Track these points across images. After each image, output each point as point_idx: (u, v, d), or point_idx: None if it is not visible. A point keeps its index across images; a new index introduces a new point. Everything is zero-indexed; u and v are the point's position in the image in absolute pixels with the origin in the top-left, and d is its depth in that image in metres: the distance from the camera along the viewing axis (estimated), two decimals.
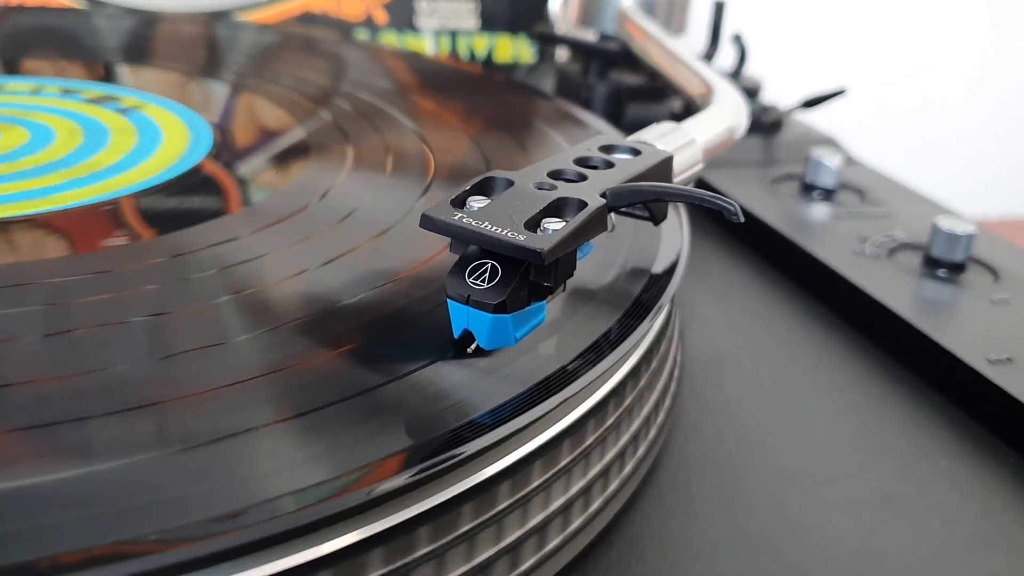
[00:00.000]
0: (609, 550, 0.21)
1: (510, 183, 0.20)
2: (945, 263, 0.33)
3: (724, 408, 0.27)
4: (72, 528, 0.14)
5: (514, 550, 0.19)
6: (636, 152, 0.22)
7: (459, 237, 0.18)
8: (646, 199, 0.20)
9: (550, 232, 0.18)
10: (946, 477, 0.25)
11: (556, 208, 0.19)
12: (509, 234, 0.18)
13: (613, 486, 0.22)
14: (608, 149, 0.22)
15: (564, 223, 0.18)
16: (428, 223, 0.18)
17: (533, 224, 0.18)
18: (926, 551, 0.22)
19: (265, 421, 0.17)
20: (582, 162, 0.21)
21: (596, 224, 0.19)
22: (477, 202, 0.19)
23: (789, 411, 0.27)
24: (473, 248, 0.18)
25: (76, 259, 0.23)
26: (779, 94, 0.51)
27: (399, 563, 0.16)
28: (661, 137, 0.24)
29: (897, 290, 0.31)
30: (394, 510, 0.16)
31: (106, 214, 0.26)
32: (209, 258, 0.23)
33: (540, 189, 0.20)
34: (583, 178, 0.20)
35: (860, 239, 0.35)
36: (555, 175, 0.20)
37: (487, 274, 0.18)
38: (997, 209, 0.76)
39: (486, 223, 0.18)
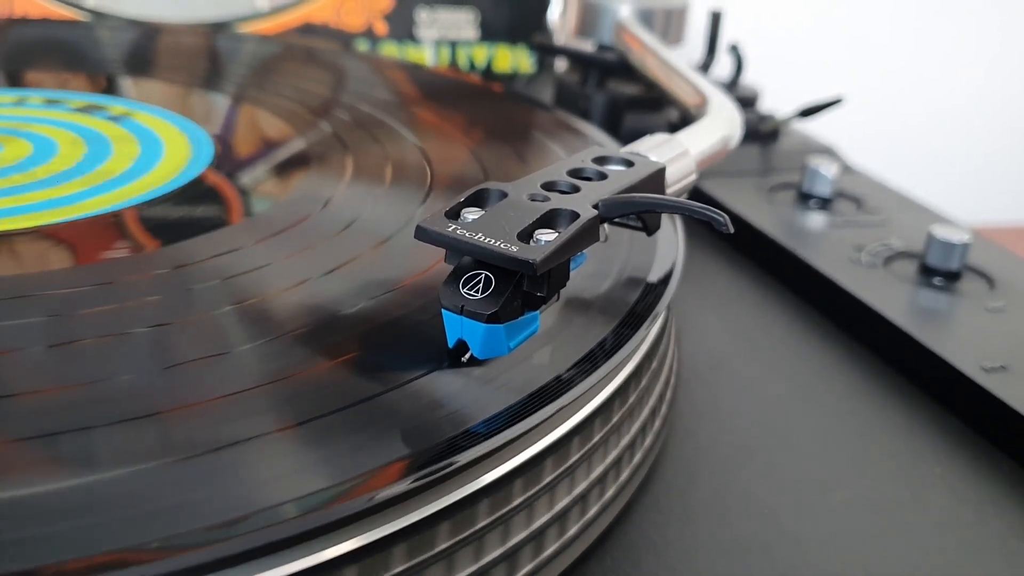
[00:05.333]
0: (605, 557, 0.21)
1: (504, 195, 0.20)
2: (941, 271, 0.33)
3: (720, 415, 0.27)
4: (76, 536, 0.14)
5: (510, 557, 0.19)
6: (629, 163, 0.23)
7: (453, 248, 0.19)
8: (638, 210, 0.20)
9: (542, 243, 0.18)
10: (941, 483, 0.25)
11: (549, 219, 0.19)
12: (502, 245, 0.18)
13: (609, 493, 0.22)
14: (601, 160, 0.23)
15: (556, 234, 0.19)
16: (422, 234, 0.19)
17: (526, 235, 0.18)
18: (920, 557, 0.22)
19: (266, 430, 0.17)
20: (575, 173, 0.22)
21: (588, 235, 0.19)
22: (471, 213, 0.19)
23: (784, 418, 0.27)
24: (467, 259, 0.19)
25: (79, 271, 0.23)
26: (777, 103, 0.51)
27: (398, 569, 0.17)
28: (654, 148, 0.24)
29: (893, 298, 0.31)
30: (392, 517, 0.16)
31: (109, 226, 0.26)
32: (211, 269, 0.23)
33: (533, 200, 0.20)
34: (576, 189, 0.21)
35: (856, 247, 0.35)
36: (548, 186, 0.21)
37: (481, 285, 0.18)
38: (995, 216, 0.76)
39: (479, 234, 0.18)
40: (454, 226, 0.19)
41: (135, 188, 0.28)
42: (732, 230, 0.19)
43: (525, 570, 0.19)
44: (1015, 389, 0.26)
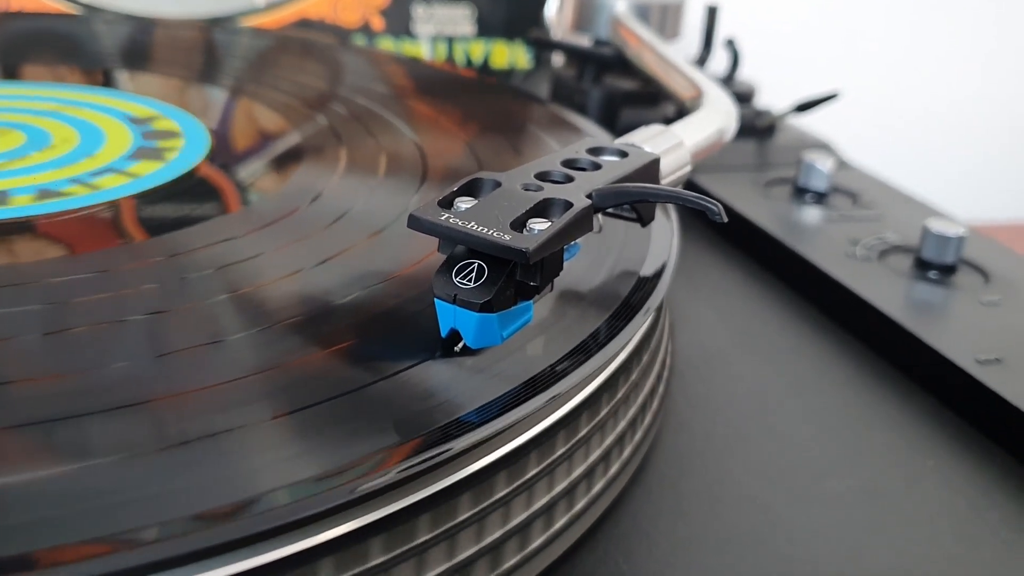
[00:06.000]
0: (596, 547, 0.21)
1: (497, 184, 0.20)
2: (936, 265, 0.33)
3: (713, 407, 0.27)
4: (68, 522, 0.14)
5: (503, 544, 0.19)
6: (623, 154, 0.23)
7: (446, 237, 0.19)
8: (631, 200, 0.20)
9: (535, 232, 0.18)
10: (934, 475, 0.25)
11: (542, 208, 0.19)
12: (495, 234, 0.18)
13: (601, 483, 0.22)
14: (596, 151, 0.23)
15: (549, 223, 0.19)
16: (415, 223, 0.19)
17: (519, 224, 0.18)
18: (914, 548, 0.22)
19: (258, 418, 0.17)
20: (569, 164, 0.22)
21: (582, 224, 0.19)
22: (464, 203, 0.19)
23: (778, 410, 0.27)
24: (460, 248, 0.19)
25: (74, 259, 0.23)
26: (773, 98, 0.51)
27: (388, 556, 0.17)
28: (649, 139, 0.24)
29: (888, 292, 0.31)
30: (382, 505, 0.16)
31: (103, 214, 0.26)
32: (205, 258, 0.23)
33: (527, 190, 0.20)
34: (570, 179, 0.21)
35: (852, 242, 0.35)
36: (542, 176, 0.21)
37: (474, 274, 0.18)
38: (990, 214, 0.76)
39: (472, 223, 0.18)
40: (447, 215, 0.19)
41: (128, 176, 0.28)
42: (726, 219, 0.19)
43: (517, 559, 0.19)
44: (1009, 381, 0.26)
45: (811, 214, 0.38)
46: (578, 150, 0.23)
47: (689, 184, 0.39)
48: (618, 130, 0.44)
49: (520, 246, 0.17)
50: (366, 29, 0.56)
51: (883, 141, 0.70)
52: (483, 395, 0.18)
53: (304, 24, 0.55)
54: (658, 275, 0.24)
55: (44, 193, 0.27)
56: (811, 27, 0.70)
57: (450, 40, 0.58)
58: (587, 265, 0.24)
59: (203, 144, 0.31)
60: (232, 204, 0.28)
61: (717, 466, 0.24)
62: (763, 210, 0.38)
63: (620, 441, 0.23)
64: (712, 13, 0.49)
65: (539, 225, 0.18)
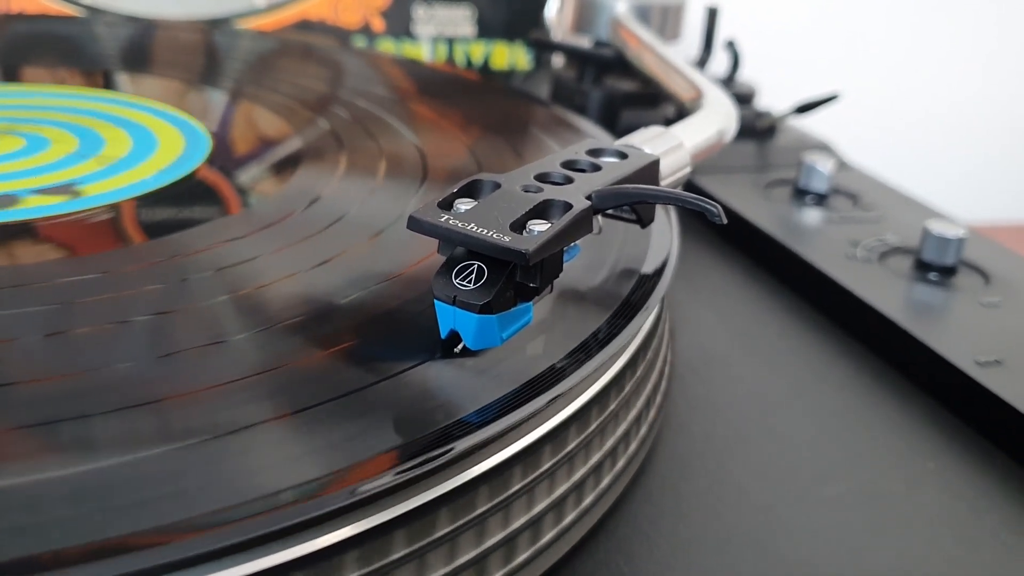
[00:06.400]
0: (597, 549, 0.21)
1: (497, 185, 0.20)
2: (936, 267, 0.33)
3: (714, 409, 0.27)
4: (71, 524, 0.14)
5: (502, 548, 0.19)
6: (623, 155, 0.23)
7: (445, 238, 0.19)
8: (630, 201, 0.20)
9: (535, 233, 0.18)
10: (934, 478, 0.25)
11: (542, 210, 0.19)
12: (494, 235, 0.18)
13: (602, 485, 0.22)
14: (595, 152, 0.23)
15: (549, 225, 0.19)
16: (415, 225, 0.19)
17: (519, 226, 0.18)
18: (913, 550, 0.22)
19: (260, 418, 0.17)
20: (569, 165, 0.22)
21: (581, 226, 0.19)
22: (464, 204, 0.19)
23: (779, 412, 0.27)
24: (460, 249, 0.19)
25: (75, 261, 0.23)
26: (773, 100, 0.51)
27: (391, 558, 0.17)
28: (649, 141, 0.24)
29: (888, 293, 0.31)
30: (385, 507, 0.16)
31: (104, 217, 0.26)
32: (206, 260, 0.23)
33: (526, 191, 0.20)
34: (569, 181, 0.21)
35: (852, 243, 0.35)
36: (542, 178, 0.21)
37: (473, 275, 0.18)
38: (991, 215, 0.76)
39: (472, 225, 0.18)
40: (447, 216, 0.19)
41: (127, 179, 0.28)
42: (725, 220, 0.19)
43: (515, 563, 0.19)
44: (1009, 383, 0.26)
45: (811, 215, 0.38)
46: (578, 151, 0.23)
47: (689, 185, 0.39)
48: (618, 131, 0.44)
49: (520, 247, 0.17)
50: (366, 30, 0.56)
51: (883, 142, 0.70)
52: (485, 396, 0.18)
53: (305, 25, 0.55)
54: (658, 273, 0.24)
55: (44, 196, 0.27)
56: (812, 29, 0.70)
57: (450, 41, 0.58)
58: (587, 265, 0.24)
59: (203, 147, 0.32)
60: (233, 206, 0.28)
61: (717, 468, 0.24)
62: (763, 211, 0.38)
63: (626, 436, 0.23)
64: (712, 14, 0.49)
65: (539, 226, 0.19)
